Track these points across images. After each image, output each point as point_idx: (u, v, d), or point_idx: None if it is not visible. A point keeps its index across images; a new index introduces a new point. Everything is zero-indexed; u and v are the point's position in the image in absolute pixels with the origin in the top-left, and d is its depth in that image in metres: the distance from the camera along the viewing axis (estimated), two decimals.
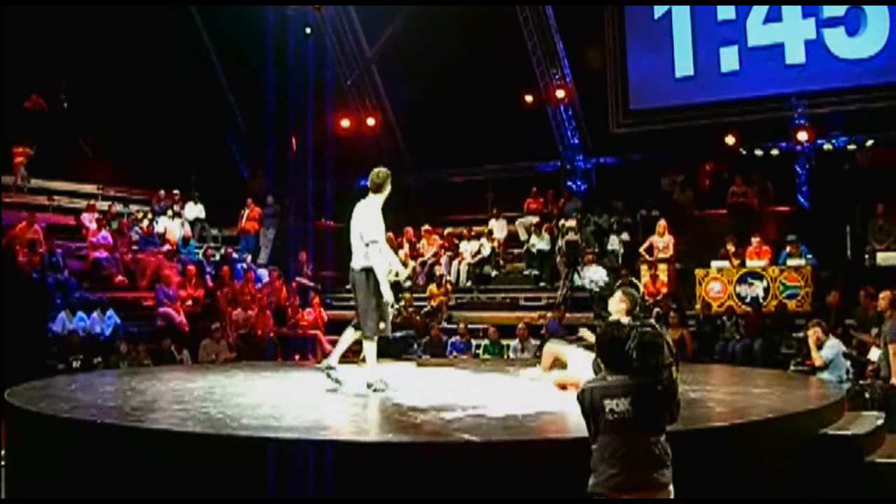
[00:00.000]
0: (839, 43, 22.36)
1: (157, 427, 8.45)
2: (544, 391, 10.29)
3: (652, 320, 9.83)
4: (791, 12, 22.87)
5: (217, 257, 23.98)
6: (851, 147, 22.92)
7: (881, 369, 13.48)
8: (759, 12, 23.24)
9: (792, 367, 16.37)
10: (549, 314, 19.89)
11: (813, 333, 14.65)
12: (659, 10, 24.63)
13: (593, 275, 11.87)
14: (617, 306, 9.85)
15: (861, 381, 13.94)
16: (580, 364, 9.88)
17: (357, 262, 10.65)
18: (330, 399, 10.40)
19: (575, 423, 6.48)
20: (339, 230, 25.58)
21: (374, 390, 10.63)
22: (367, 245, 10.50)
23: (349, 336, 11.13)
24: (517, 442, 7.91)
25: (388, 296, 10.53)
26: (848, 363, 14.60)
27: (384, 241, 10.82)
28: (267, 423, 8.60)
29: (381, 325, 10.69)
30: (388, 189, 10.88)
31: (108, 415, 8.93)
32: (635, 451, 6.13)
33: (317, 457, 7.35)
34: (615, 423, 6.12)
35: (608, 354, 6.41)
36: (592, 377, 6.77)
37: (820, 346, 14.50)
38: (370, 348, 10.80)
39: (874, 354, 13.83)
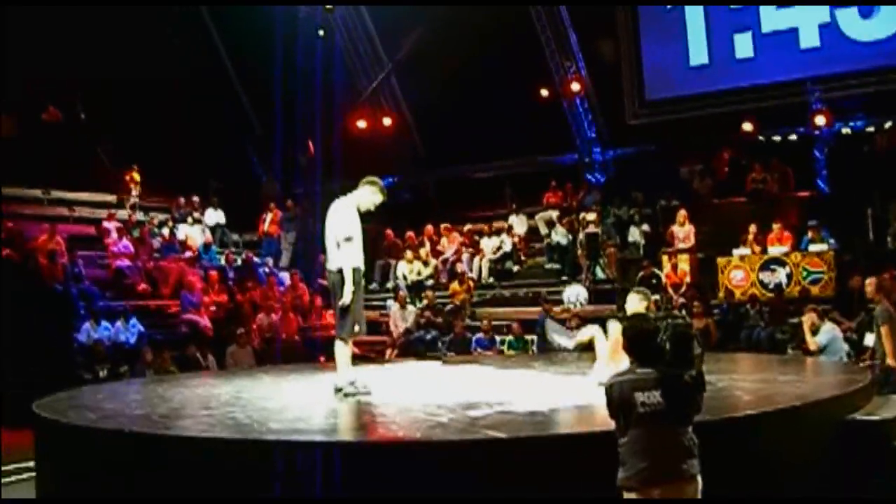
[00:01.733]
0: (853, 25, 22.26)
1: (185, 434, 8.48)
2: (570, 385, 10.29)
3: (678, 311, 9.80)
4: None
5: (239, 262, 24.05)
6: (870, 130, 22.81)
7: (875, 352, 13.46)
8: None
9: (790, 352, 16.43)
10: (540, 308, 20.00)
11: (808, 319, 14.93)
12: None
13: (571, 295, 11.72)
14: (637, 308, 9.78)
15: (860, 365, 13.89)
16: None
17: (333, 264, 10.55)
18: (356, 401, 10.40)
19: (602, 417, 6.47)
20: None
21: (345, 395, 10.34)
22: (338, 245, 10.45)
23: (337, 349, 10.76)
24: (544, 437, 7.90)
25: (347, 298, 10.31)
26: (846, 347, 14.79)
27: (358, 241, 10.58)
28: (295, 426, 8.63)
29: (356, 328, 10.51)
30: (366, 192, 10.71)
31: (136, 423, 8.99)
32: (666, 444, 6.12)
33: (345, 459, 7.38)
34: (646, 416, 6.10)
35: (638, 347, 6.38)
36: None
37: (816, 332, 14.71)
38: (343, 352, 10.57)
39: (869, 339, 13.81)
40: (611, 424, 6.35)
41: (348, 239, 10.37)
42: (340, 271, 10.41)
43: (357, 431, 8.61)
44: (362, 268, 10.68)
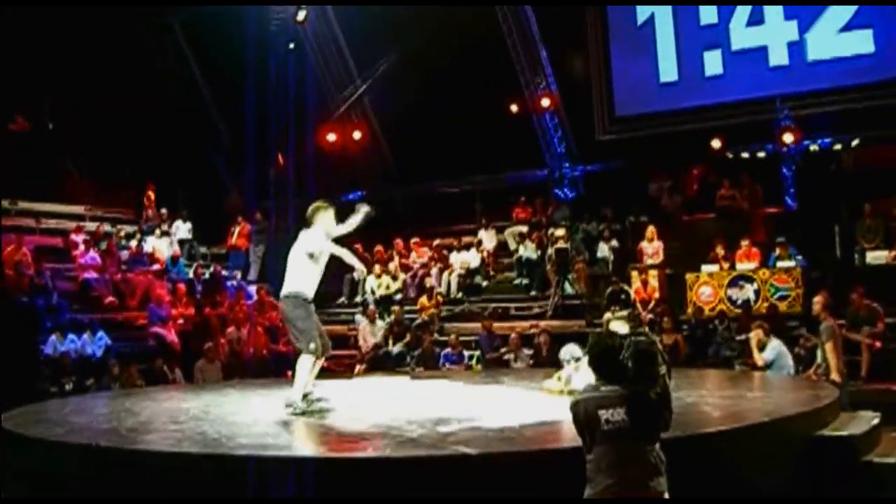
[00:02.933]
0: (822, 44, 22.44)
1: (153, 449, 8.43)
2: (539, 401, 10.29)
3: (645, 328, 9.79)
4: (773, 15, 22.94)
5: (207, 275, 23.92)
6: (837, 147, 22.97)
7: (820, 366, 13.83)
8: (741, 16, 23.31)
9: (737, 367, 16.65)
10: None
11: (755, 335, 15.18)
12: (642, 16, 24.68)
13: (566, 353, 11.72)
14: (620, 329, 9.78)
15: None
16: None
17: (287, 288, 10.77)
18: (325, 415, 10.36)
19: (571, 432, 6.48)
20: None
21: (293, 412, 10.33)
22: (310, 256, 10.66)
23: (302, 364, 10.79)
24: (514, 453, 7.90)
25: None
26: (791, 363, 15.00)
27: (323, 261, 10.89)
28: (264, 441, 8.59)
29: (312, 346, 10.55)
30: (322, 220, 10.97)
31: (104, 437, 8.92)
32: (631, 461, 6.14)
33: (316, 474, 7.35)
34: (611, 434, 6.12)
35: (602, 364, 6.41)
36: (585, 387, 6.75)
37: (763, 348, 14.96)
38: (304, 366, 10.59)
39: (819, 357, 14.16)
40: (579, 440, 6.36)
41: (321, 252, 10.66)
42: (293, 296, 10.64)
43: (326, 447, 8.55)
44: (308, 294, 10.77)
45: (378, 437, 8.89)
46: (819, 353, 13.93)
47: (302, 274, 10.75)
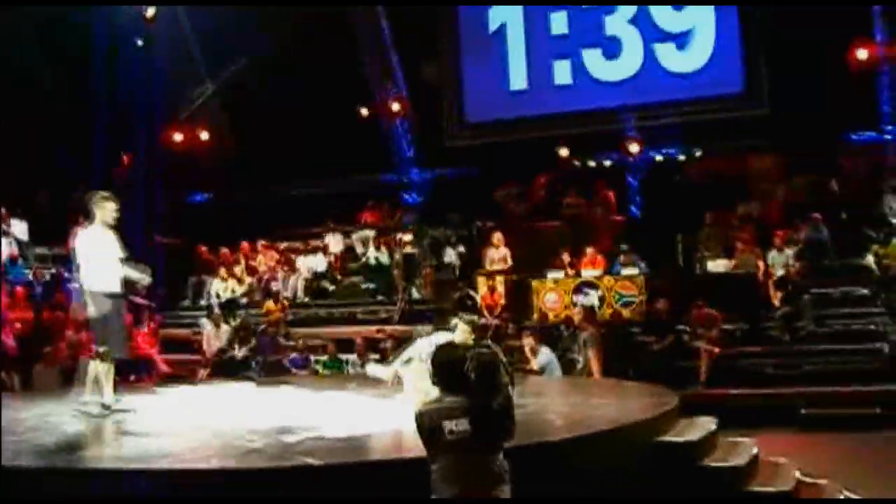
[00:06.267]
0: (669, 57, 23.02)
1: None
2: (384, 408, 10.23)
3: (488, 341, 9.84)
4: (622, 29, 23.39)
5: (48, 277, 23.19)
6: (681, 158, 23.51)
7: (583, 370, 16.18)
8: (591, 28, 23.69)
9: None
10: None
11: (528, 343, 16.03)
12: (494, 23, 24.90)
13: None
14: (464, 338, 9.80)
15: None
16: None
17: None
18: (165, 424, 10.13)
19: (416, 442, 6.43)
20: (173, 246, 25.21)
21: (86, 411, 10.46)
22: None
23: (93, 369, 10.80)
24: (358, 464, 7.83)
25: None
26: (558, 368, 16.00)
27: (106, 261, 10.79)
28: (103, 452, 8.34)
29: (103, 349, 10.63)
30: (100, 212, 10.93)
31: None
32: (474, 470, 6.11)
33: (154, 487, 7.17)
34: (454, 444, 6.09)
35: (445, 376, 6.38)
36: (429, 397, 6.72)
37: (535, 354, 15.84)
38: (91, 369, 10.70)
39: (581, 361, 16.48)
40: (423, 451, 6.33)
41: (79, 265, 10.76)
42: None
43: (168, 459, 8.28)
44: (114, 290, 10.75)
45: (220, 447, 8.71)
46: (581, 357, 16.32)
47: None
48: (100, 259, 10.68)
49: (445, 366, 6.40)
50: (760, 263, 19.54)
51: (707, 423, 10.12)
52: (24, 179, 26.02)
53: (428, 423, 6.21)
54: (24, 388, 17.53)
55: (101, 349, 10.51)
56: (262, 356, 19.55)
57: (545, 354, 15.90)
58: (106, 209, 10.87)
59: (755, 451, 9.93)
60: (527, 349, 15.89)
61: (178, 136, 27.46)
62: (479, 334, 10.10)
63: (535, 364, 15.68)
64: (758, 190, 22.67)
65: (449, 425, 6.10)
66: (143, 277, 11.30)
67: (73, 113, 27.05)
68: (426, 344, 10.21)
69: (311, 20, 24.69)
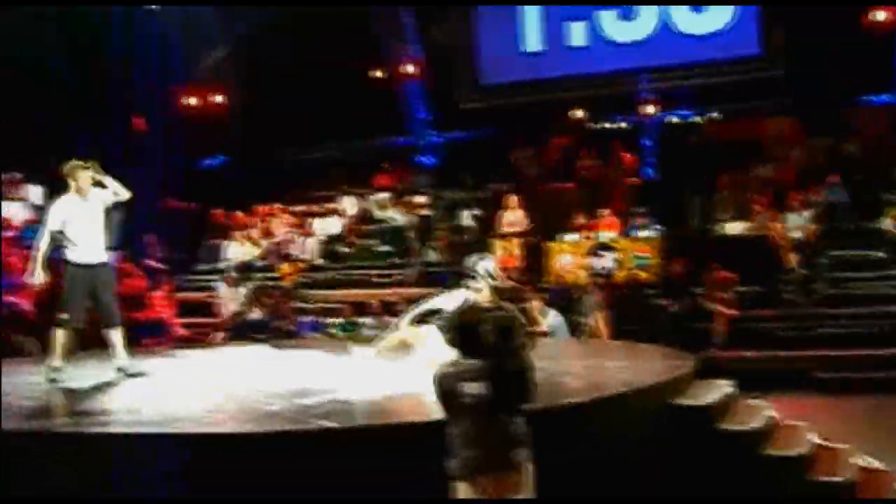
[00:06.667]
0: (685, 19, 22.86)
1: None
2: (402, 371, 10.23)
3: (505, 302, 9.80)
4: None
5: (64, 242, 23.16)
6: (697, 120, 23.39)
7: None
8: None
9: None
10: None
11: (536, 305, 16.13)
12: None
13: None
14: (482, 298, 9.81)
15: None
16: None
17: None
18: (180, 388, 10.16)
19: (434, 405, 6.42)
20: (187, 211, 25.23)
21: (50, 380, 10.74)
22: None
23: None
24: (376, 427, 7.84)
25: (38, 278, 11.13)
26: (567, 332, 16.29)
27: (78, 231, 11.05)
28: (119, 417, 8.36)
29: (65, 317, 11.08)
30: (74, 182, 11.12)
31: None
32: (492, 433, 6.10)
33: (173, 450, 7.18)
34: (472, 407, 6.09)
35: (461, 338, 6.34)
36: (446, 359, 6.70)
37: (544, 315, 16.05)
38: (56, 337, 11.17)
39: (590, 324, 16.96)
40: (441, 413, 6.32)
41: (59, 232, 10.87)
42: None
43: (184, 423, 8.26)
44: (80, 261, 11.06)
45: (237, 411, 8.73)
46: (589, 321, 16.75)
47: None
48: (71, 230, 10.92)
49: (463, 328, 6.36)
50: (777, 226, 19.46)
51: (724, 386, 10.09)
52: (37, 145, 26.00)
53: (446, 387, 6.19)
54: (43, 353, 17.57)
55: (61, 316, 10.98)
56: (277, 319, 19.59)
57: (553, 316, 16.05)
58: (80, 178, 11.04)
59: (772, 414, 9.92)
60: (535, 311, 15.86)
61: (191, 100, 27.39)
62: (497, 296, 10.04)
63: (543, 326, 15.70)
64: (774, 152, 22.52)
65: (466, 388, 6.09)
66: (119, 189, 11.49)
67: (86, 78, 27.03)
68: (444, 301, 10.24)
69: None
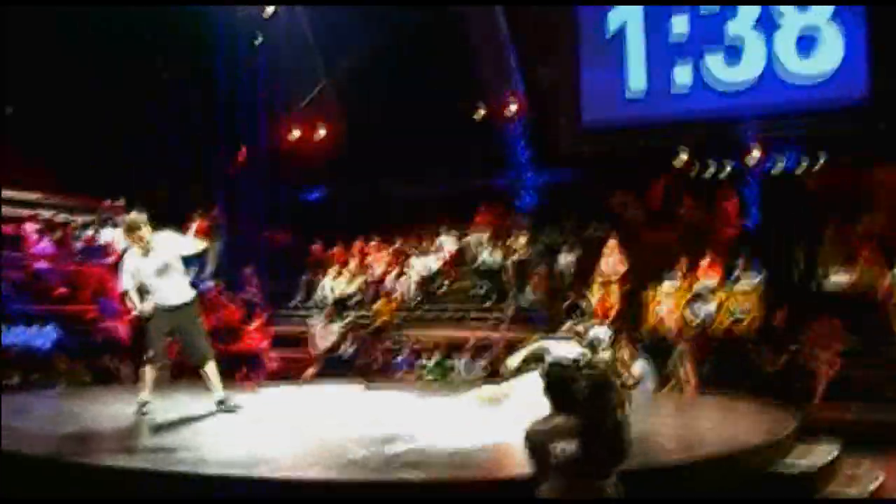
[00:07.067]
0: (793, 65, 22.45)
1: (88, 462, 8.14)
2: (493, 418, 10.08)
3: (604, 356, 9.63)
4: (747, 35, 22.92)
5: None
6: (801, 169, 22.94)
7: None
8: (714, 32, 23.27)
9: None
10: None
11: (627, 352, 15.85)
12: (613, 25, 24.57)
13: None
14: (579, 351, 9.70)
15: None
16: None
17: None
18: (267, 427, 10.13)
19: (523, 459, 6.27)
20: (285, 243, 25.42)
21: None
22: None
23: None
24: (459, 482, 7.69)
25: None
26: (653, 381, 16.35)
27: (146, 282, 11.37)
28: (203, 456, 8.32)
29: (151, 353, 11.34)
30: (135, 234, 11.58)
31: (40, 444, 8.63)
32: (583, 494, 5.96)
33: (251, 495, 7.13)
34: (563, 466, 5.94)
35: (555, 394, 6.23)
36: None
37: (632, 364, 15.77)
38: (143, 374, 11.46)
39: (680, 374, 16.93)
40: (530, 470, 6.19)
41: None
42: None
43: (267, 466, 8.18)
44: (162, 303, 11.32)
45: (321, 457, 8.67)
46: (678, 371, 16.54)
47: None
48: (143, 282, 11.38)
49: (556, 384, 6.26)
50: (884, 280, 18.93)
51: (828, 451, 9.71)
52: (143, 172, 26.41)
53: (536, 442, 6.09)
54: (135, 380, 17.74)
55: (147, 354, 11.33)
56: (370, 356, 19.58)
57: (640, 365, 15.92)
58: (132, 237, 11.60)
59: (881, 477, 9.56)
60: (626, 358, 15.53)
61: (295, 132, 27.58)
62: (594, 348, 9.88)
63: (634, 374, 15.35)
64: (882, 202, 21.97)
65: (557, 446, 5.95)
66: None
67: (194, 108, 27.42)
68: (553, 345, 10.11)
69: (429, 17, 24.68)
